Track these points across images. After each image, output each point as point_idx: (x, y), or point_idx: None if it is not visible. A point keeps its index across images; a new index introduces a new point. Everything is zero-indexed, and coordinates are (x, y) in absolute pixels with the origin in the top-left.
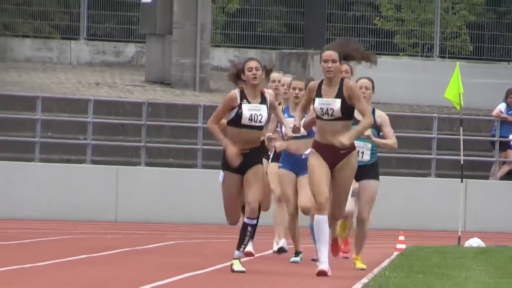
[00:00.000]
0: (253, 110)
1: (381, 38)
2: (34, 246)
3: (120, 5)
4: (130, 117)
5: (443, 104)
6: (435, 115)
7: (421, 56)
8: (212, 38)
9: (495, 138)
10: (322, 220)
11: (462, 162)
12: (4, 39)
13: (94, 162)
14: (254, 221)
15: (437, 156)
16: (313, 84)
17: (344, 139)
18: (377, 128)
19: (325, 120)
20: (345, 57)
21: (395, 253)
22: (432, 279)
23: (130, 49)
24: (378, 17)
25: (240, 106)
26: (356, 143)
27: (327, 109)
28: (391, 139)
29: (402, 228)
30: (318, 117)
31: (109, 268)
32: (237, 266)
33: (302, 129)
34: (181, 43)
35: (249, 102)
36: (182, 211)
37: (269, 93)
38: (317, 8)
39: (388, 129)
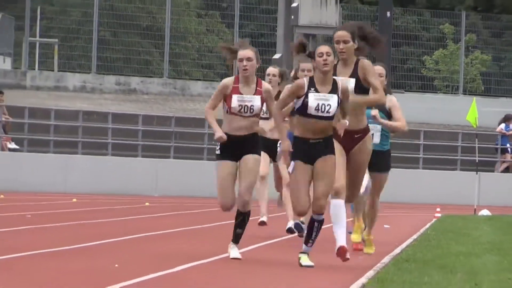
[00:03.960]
0: (320, 100)
1: (426, 82)
2: (169, 217)
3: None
4: None
5: (465, 124)
6: (460, 131)
7: (451, 93)
8: None
9: (498, 146)
10: (339, 204)
11: (477, 161)
12: (184, 81)
13: None
14: (321, 217)
15: (461, 157)
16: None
17: (352, 97)
18: (387, 114)
19: None
20: (359, 37)
21: (434, 219)
22: (458, 236)
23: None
24: (424, 68)
25: (306, 95)
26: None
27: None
28: (399, 122)
29: (439, 203)
30: None
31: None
32: (305, 261)
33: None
34: None
35: (317, 91)
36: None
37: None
38: (384, 56)
39: (397, 113)
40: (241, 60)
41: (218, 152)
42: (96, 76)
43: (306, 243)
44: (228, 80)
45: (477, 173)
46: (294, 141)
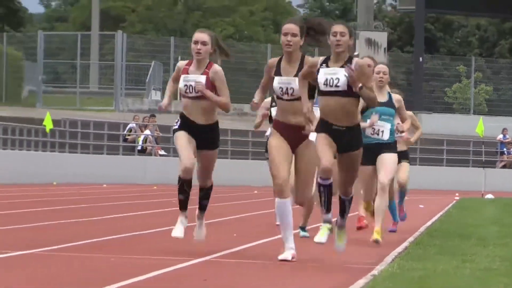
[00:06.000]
0: (328, 74)
1: (447, 106)
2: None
3: None
4: None
5: (475, 135)
6: (471, 140)
7: (465, 114)
8: None
9: (498, 150)
10: (283, 204)
11: (483, 160)
12: None
13: None
14: (349, 197)
15: (472, 158)
16: (272, 61)
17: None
18: (395, 110)
19: (286, 100)
20: (308, 31)
21: (454, 201)
22: (471, 213)
23: None
24: (446, 96)
25: (318, 72)
26: (378, 122)
27: (287, 89)
28: (407, 122)
29: (457, 189)
30: (278, 97)
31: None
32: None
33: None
34: None
35: (327, 67)
36: None
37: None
38: (418, 89)
39: (404, 112)
40: (195, 42)
41: (175, 127)
42: None
43: (341, 216)
44: (182, 63)
45: (483, 169)
46: (319, 124)
